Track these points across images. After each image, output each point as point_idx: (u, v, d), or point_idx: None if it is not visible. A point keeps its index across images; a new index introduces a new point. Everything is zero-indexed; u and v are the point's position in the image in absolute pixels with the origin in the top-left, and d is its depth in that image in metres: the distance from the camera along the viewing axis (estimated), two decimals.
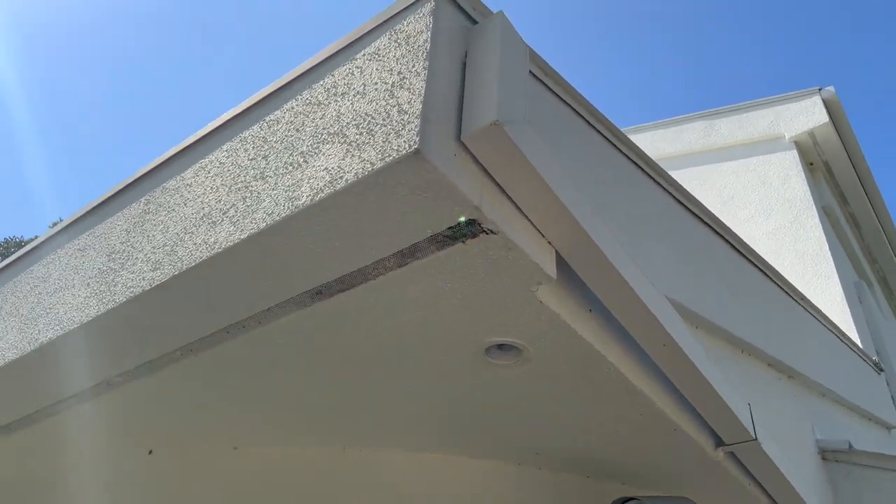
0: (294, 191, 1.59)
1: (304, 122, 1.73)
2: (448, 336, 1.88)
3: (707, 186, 9.08)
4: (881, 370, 6.73)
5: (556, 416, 2.20)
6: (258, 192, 1.69)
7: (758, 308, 3.55)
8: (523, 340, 1.88)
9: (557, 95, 2.29)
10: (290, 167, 1.65)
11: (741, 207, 8.79)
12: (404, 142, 1.41)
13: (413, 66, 1.55)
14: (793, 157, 8.81)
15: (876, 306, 8.90)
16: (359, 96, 1.62)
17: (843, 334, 5.29)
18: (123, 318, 1.93)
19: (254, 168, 1.77)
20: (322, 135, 1.63)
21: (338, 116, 1.63)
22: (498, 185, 1.58)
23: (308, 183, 1.57)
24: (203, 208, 1.84)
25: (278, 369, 2.10)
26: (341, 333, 1.90)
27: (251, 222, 1.65)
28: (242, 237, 1.64)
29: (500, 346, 1.98)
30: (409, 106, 1.47)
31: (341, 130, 1.58)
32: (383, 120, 1.50)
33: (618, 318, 1.90)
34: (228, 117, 2.05)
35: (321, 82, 1.78)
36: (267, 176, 1.70)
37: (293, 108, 1.81)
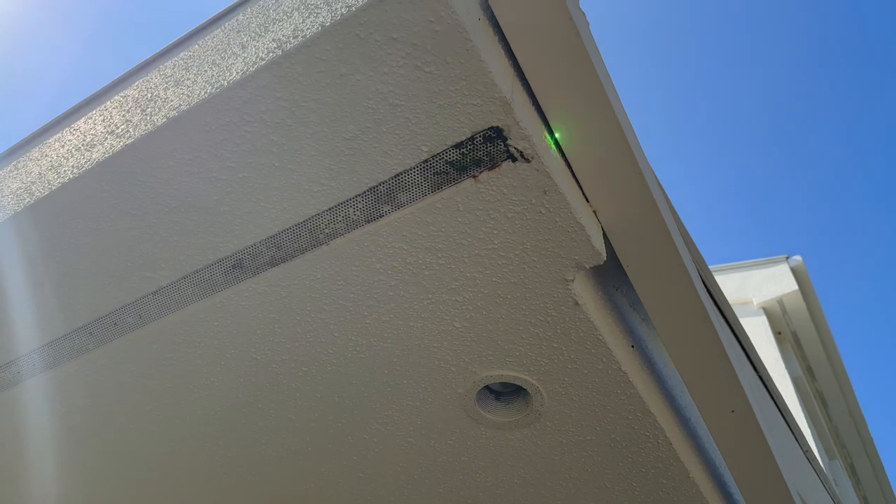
0: (221, 76, 1.03)
1: (249, 23, 1.19)
2: (427, 359, 1.25)
3: None
4: None
5: None
6: (165, 98, 1.12)
7: (789, 455, 2.94)
8: (538, 378, 1.25)
9: None
10: (220, 60, 1.09)
11: None
12: None
13: None
14: (762, 322, 8.54)
15: (852, 491, 8.29)
16: None
17: None
18: None
19: (167, 81, 1.20)
20: (273, 19, 1.09)
21: None
22: (531, 92, 1.03)
23: (244, 60, 1.01)
24: (84, 139, 1.24)
25: (166, 407, 1.40)
26: (267, 345, 1.25)
27: (145, 126, 1.06)
28: (128, 142, 1.05)
29: (499, 395, 1.35)
30: None
31: (303, 3, 1.05)
32: None
33: (674, 354, 1.29)
34: (151, 57, 1.50)
35: None
36: (183, 81, 1.14)
37: (238, 18, 1.27)
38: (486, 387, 1.34)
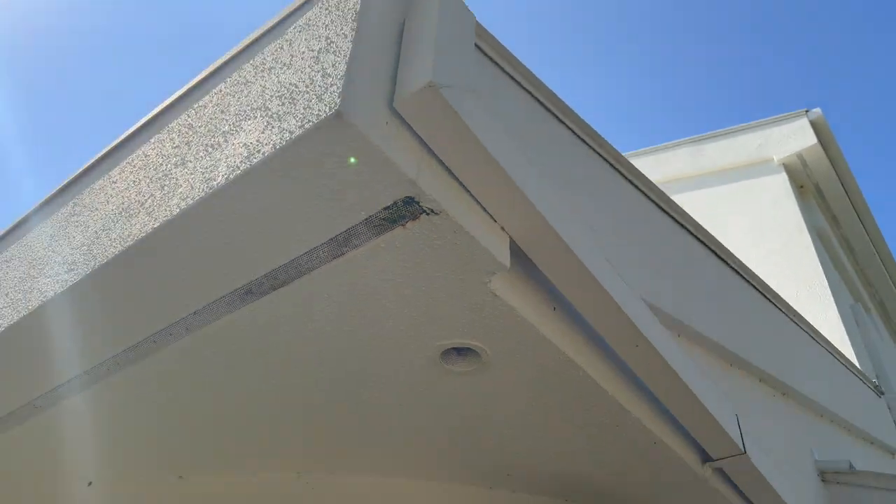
0: (211, 172, 1.42)
1: (229, 103, 1.56)
2: (398, 339, 1.69)
3: (696, 212, 8.92)
4: (882, 393, 6.51)
5: (524, 430, 2.00)
6: (176, 179, 1.52)
7: (746, 320, 3.36)
8: (481, 342, 1.69)
9: (519, 84, 2.14)
10: (210, 149, 1.48)
11: (732, 232, 8.64)
12: (325, 105, 1.24)
13: (341, 29, 1.38)
14: (782, 179, 8.67)
15: (874, 329, 8.70)
16: (285, 68, 1.45)
17: (840, 353, 5.08)
18: (37, 327, 1.74)
19: (176, 155, 1.60)
20: (245, 112, 1.46)
21: (262, 91, 1.46)
22: (439, 160, 1.40)
23: (225, 162, 1.40)
24: (123, 202, 1.66)
25: (215, 385, 1.90)
26: (277, 341, 1.71)
27: (166, 210, 1.47)
28: (156, 226, 1.46)
29: (458, 351, 1.79)
30: (333, 69, 1.31)
31: (264, 104, 1.42)
32: (306, 87, 1.33)
33: (584, 315, 1.71)
34: (158, 110, 1.88)
35: (250, 62, 1.62)
36: (187, 161, 1.53)
37: (221, 90, 1.64)
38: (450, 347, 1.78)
